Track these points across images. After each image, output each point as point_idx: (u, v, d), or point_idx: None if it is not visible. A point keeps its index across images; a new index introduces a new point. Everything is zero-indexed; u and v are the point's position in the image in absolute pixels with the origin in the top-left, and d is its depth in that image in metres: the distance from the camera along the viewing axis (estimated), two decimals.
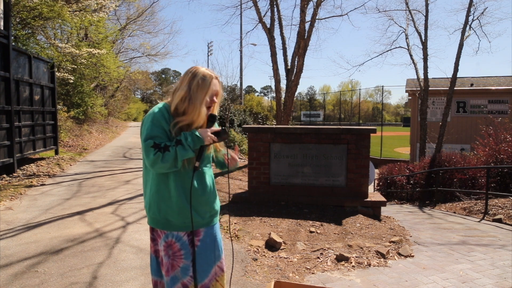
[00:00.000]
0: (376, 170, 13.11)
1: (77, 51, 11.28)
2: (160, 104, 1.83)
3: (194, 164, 1.78)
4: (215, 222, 1.98)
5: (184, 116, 1.80)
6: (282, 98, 11.62)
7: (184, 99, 1.80)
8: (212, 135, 1.78)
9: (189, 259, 1.84)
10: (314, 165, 5.55)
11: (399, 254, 3.83)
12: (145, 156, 1.71)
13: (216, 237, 1.97)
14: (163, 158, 1.68)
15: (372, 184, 12.00)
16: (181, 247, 1.83)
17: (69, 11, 9.67)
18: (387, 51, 17.25)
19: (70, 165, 9.38)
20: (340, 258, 3.57)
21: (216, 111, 1.91)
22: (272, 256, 3.67)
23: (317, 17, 10.88)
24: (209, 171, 1.94)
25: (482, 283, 3.14)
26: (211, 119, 1.84)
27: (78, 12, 10.18)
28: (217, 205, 1.98)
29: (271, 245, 3.91)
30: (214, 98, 1.85)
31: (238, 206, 5.47)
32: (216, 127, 1.89)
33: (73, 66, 11.81)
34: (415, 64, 15.56)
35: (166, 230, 1.84)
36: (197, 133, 1.75)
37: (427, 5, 14.64)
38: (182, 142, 1.71)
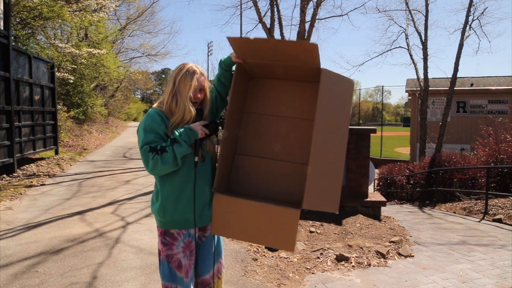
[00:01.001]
0: (376, 170, 13.11)
1: (77, 51, 11.29)
2: (150, 111, 1.84)
3: (194, 160, 1.79)
4: None
5: (174, 116, 1.82)
6: None
7: (171, 94, 1.83)
8: (204, 128, 1.79)
9: (195, 254, 1.92)
10: None
11: (399, 254, 3.83)
12: (145, 163, 1.73)
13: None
14: (162, 160, 1.70)
15: (372, 184, 12.00)
16: (195, 244, 1.90)
17: (69, 11, 9.68)
18: (387, 51, 17.26)
19: (70, 165, 9.38)
20: (340, 258, 3.57)
21: (207, 106, 1.91)
22: (272, 256, 3.67)
23: (317, 17, 10.87)
24: (212, 165, 1.94)
25: (482, 283, 3.14)
26: (198, 113, 1.85)
27: (78, 12, 10.19)
28: None
29: None
30: (198, 95, 1.85)
31: None
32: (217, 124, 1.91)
33: (73, 66, 11.82)
34: (415, 64, 15.56)
35: (185, 228, 1.86)
36: (189, 127, 1.77)
37: (427, 5, 14.64)
38: (177, 139, 1.72)
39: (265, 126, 1.99)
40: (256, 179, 1.96)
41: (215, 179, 1.82)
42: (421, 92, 15.11)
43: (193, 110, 1.82)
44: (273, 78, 2.00)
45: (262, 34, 12.17)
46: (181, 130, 1.75)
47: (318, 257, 3.62)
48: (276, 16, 11.54)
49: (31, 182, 7.03)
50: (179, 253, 1.85)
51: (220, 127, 1.88)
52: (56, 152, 10.58)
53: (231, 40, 1.74)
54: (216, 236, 1.99)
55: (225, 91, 2.01)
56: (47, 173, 8.01)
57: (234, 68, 1.93)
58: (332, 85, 1.67)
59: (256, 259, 3.56)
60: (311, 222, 4.77)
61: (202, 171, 1.86)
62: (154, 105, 1.88)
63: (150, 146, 1.71)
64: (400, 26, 17.41)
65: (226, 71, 1.94)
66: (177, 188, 1.81)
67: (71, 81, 13.06)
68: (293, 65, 1.77)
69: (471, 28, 14.77)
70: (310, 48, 1.61)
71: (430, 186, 9.50)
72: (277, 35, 11.60)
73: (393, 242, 4.19)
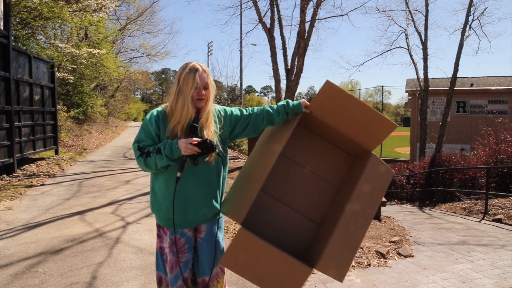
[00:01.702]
0: None
1: (77, 51, 11.28)
2: (155, 109, 1.88)
3: (177, 175, 1.76)
4: (215, 220, 1.97)
5: (174, 115, 1.80)
6: (282, 98, 11.62)
7: (175, 94, 1.81)
8: (193, 147, 1.71)
9: (190, 252, 1.91)
10: None
11: (399, 254, 3.83)
12: (135, 157, 1.83)
13: (217, 236, 1.98)
14: (145, 162, 1.78)
15: None
16: (185, 241, 1.90)
17: (69, 11, 9.67)
18: (387, 51, 17.24)
19: (70, 165, 9.38)
20: None
21: (210, 104, 1.86)
22: None
23: (317, 17, 10.87)
24: (210, 169, 1.88)
25: (482, 283, 3.14)
26: (191, 130, 1.77)
27: (78, 12, 10.18)
28: (219, 202, 1.94)
29: None
30: (203, 91, 1.81)
31: None
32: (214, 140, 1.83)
33: (73, 66, 11.81)
34: (415, 64, 15.56)
35: (170, 227, 1.89)
36: (176, 142, 1.74)
37: (427, 5, 14.64)
38: (161, 150, 1.75)
39: (293, 174, 2.02)
40: (269, 221, 1.97)
41: (244, 210, 1.70)
42: (421, 92, 15.11)
43: (191, 109, 1.78)
44: (318, 134, 2.06)
45: (262, 34, 12.12)
46: (168, 143, 1.75)
47: None
48: (276, 16, 11.54)
49: (31, 182, 7.03)
50: (166, 248, 1.90)
51: (214, 146, 1.77)
52: (56, 152, 10.58)
53: (329, 84, 1.82)
54: (215, 239, 1.97)
55: (264, 127, 1.98)
56: (47, 173, 8.01)
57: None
58: (375, 170, 1.83)
59: None
60: None
61: (194, 176, 1.83)
62: (163, 105, 1.91)
63: (139, 146, 1.80)
64: (400, 26, 17.42)
65: (287, 116, 1.91)
66: (163, 186, 1.86)
67: (71, 81, 13.05)
68: (347, 137, 1.89)
69: (471, 28, 14.77)
70: (389, 127, 1.83)
71: (430, 186, 9.50)
72: (277, 35, 11.61)
73: (393, 242, 4.19)
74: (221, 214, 1.99)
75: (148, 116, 1.86)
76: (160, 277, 1.98)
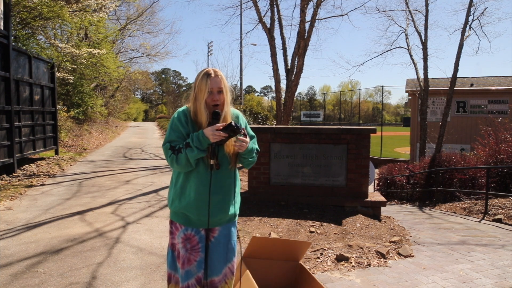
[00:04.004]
0: (376, 170, 13.10)
1: (77, 51, 11.29)
2: (180, 108, 1.94)
3: (209, 162, 1.84)
4: (230, 223, 2.02)
5: (196, 119, 1.90)
6: (282, 98, 11.62)
7: (194, 100, 1.90)
8: (219, 132, 1.77)
9: (204, 252, 1.93)
10: (314, 165, 5.55)
11: (399, 254, 3.83)
12: (165, 158, 1.87)
13: (230, 238, 2.01)
14: (177, 160, 1.80)
15: (372, 184, 11.99)
16: (199, 240, 1.91)
17: (69, 11, 9.67)
18: (387, 51, 17.21)
19: (70, 165, 9.38)
20: (340, 258, 3.57)
21: (227, 107, 1.91)
22: None
23: (317, 17, 10.87)
24: (230, 173, 1.95)
25: (482, 283, 3.14)
26: (214, 117, 1.86)
27: (78, 12, 10.18)
28: (235, 207, 2.01)
29: None
30: (216, 97, 1.86)
31: None
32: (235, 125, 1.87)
33: (73, 66, 11.82)
34: (415, 64, 15.54)
35: (184, 225, 1.92)
36: (202, 132, 1.81)
37: (427, 5, 14.63)
38: (190, 143, 1.79)
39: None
40: None
41: None
42: (421, 92, 15.10)
43: (204, 113, 1.86)
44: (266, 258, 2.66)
45: (262, 34, 12.12)
46: (195, 135, 1.81)
47: (318, 257, 3.62)
48: (276, 16, 11.54)
49: (31, 182, 7.02)
50: (178, 244, 1.92)
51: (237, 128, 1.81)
52: (56, 152, 10.58)
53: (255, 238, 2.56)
54: (229, 240, 2.00)
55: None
56: (47, 173, 8.01)
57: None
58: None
59: None
60: (311, 222, 4.77)
61: (214, 182, 1.89)
62: (187, 105, 1.96)
63: (171, 145, 1.83)
64: (400, 26, 17.41)
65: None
66: (188, 185, 1.89)
67: (71, 81, 13.05)
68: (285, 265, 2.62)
69: (471, 28, 14.75)
70: (305, 245, 2.63)
71: (430, 186, 9.50)
72: (277, 35, 11.63)
73: (393, 242, 4.19)
74: (234, 221, 2.05)
75: (177, 117, 1.89)
76: (170, 275, 2.00)
